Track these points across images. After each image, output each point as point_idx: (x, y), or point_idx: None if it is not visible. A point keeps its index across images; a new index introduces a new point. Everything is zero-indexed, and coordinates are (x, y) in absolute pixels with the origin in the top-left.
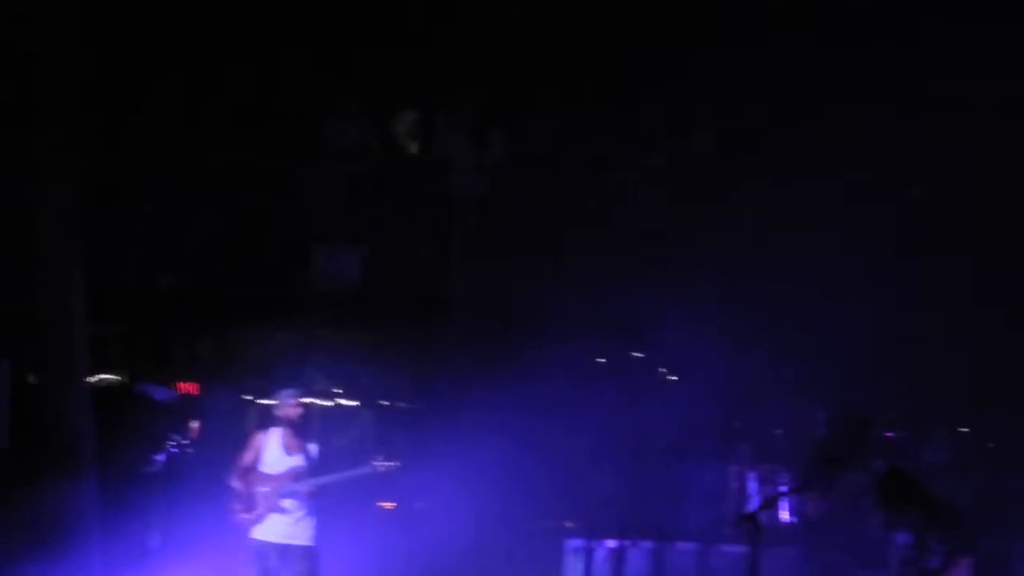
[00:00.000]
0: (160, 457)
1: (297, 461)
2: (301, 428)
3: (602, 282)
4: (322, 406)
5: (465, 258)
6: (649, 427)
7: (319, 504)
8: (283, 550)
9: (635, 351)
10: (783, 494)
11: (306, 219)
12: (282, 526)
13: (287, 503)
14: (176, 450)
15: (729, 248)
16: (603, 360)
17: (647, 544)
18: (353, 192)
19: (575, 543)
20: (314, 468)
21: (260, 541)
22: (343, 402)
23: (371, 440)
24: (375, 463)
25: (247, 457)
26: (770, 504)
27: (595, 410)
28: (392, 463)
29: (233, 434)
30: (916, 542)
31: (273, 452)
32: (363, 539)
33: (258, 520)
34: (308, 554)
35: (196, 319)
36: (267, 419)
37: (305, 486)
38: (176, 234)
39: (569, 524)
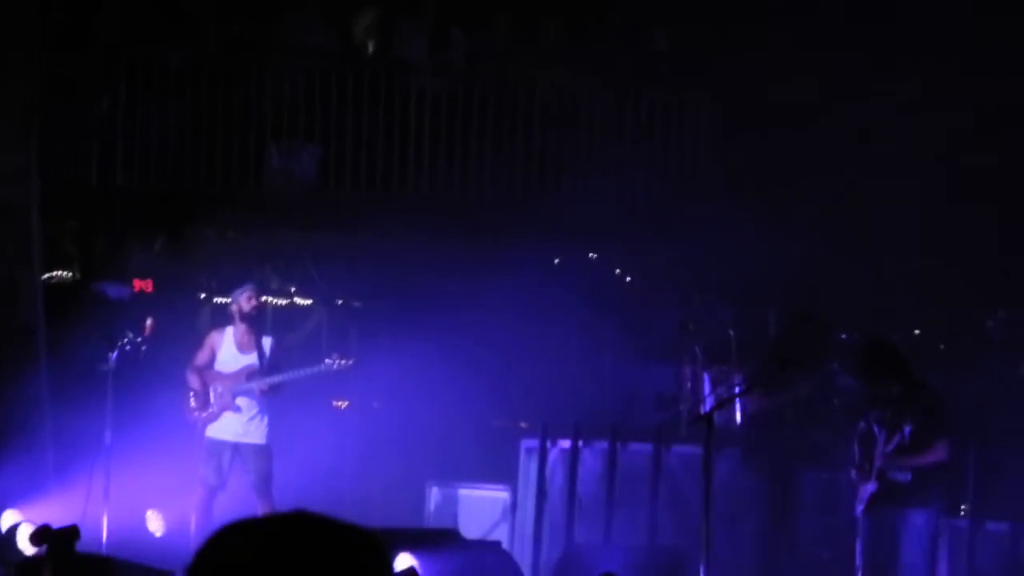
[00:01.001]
0: (113, 355)
1: (251, 359)
2: (255, 326)
3: (562, 182)
4: (276, 304)
5: (423, 157)
6: (606, 328)
7: (273, 403)
8: (237, 448)
9: (594, 252)
10: (736, 395)
11: (264, 118)
12: (236, 424)
13: (241, 401)
14: (130, 348)
15: (688, 148)
16: (560, 260)
17: (601, 444)
18: (311, 90)
19: (530, 443)
20: (268, 367)
21: (214, 439)
22: (298, 300)
23: (325, 338)
24: (329, 361)
25: (201, 355)
26: (723, 405)
27: (554, 310)
28: (346, 361)
29: (187, 332)
30: (890, 417)
31: (227, 350)
32: (317, 438)
33: (212, 418)
34: (262, 452)
35: (152, 217)
36: (222, 317)
37: (259, 384)
38: (134, 131)
39: (524, 424)
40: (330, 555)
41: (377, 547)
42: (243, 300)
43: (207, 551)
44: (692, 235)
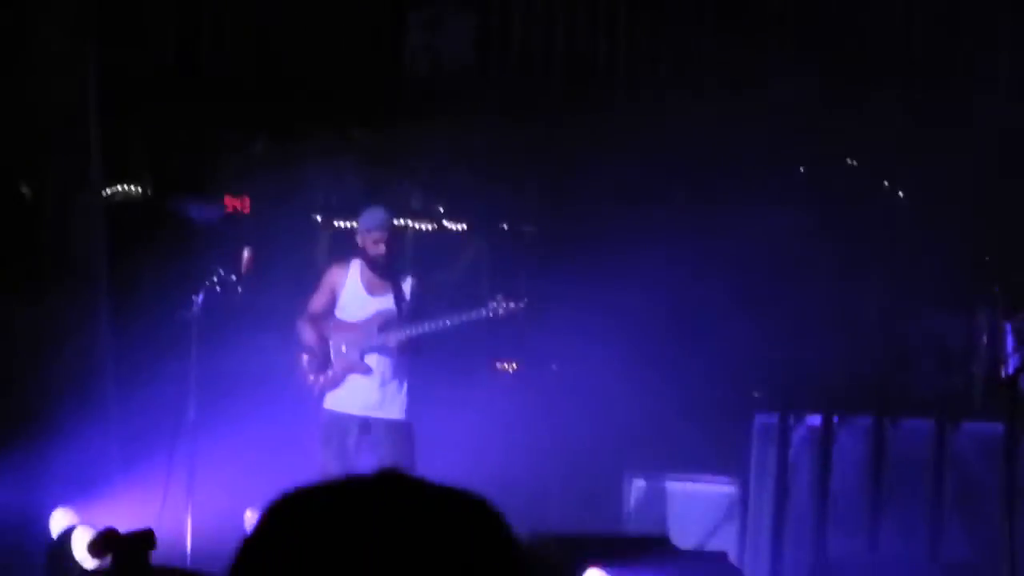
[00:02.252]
0: (199, 298)
1: (386, 304)
2: (391, 259)
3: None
4: (420, 230)
5: (639, 31)
6: (867, 263)
7: (415, 363)
8: (366, 424)
9: (848, 158)
10: None
11: None
12: (366, 393)
13: (372, 361)
14: (220, 288)
15: None
16: (806, 168)
17: (864, 420)
18: None
19: (766, 418)
20: (409, 313)
21: (336, 412)
22: (448, 225)
23: (486, 276)
24: (492, 305)
25: (318, 299)
26: None
27: (795, 237)
28: (516, 304)
29: (298, 267)
30: None
31: (353, 292)
32: (475, 412)
33: (333, 384)
34: (400, 431)
35: (250, 111)
36: (346, 247)
37: (396, 338)
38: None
39: (758, 394)
40: (426, 522)
41: (489, 516)
42: (369, 240)
43: (271, 520)
44: (987, 133)
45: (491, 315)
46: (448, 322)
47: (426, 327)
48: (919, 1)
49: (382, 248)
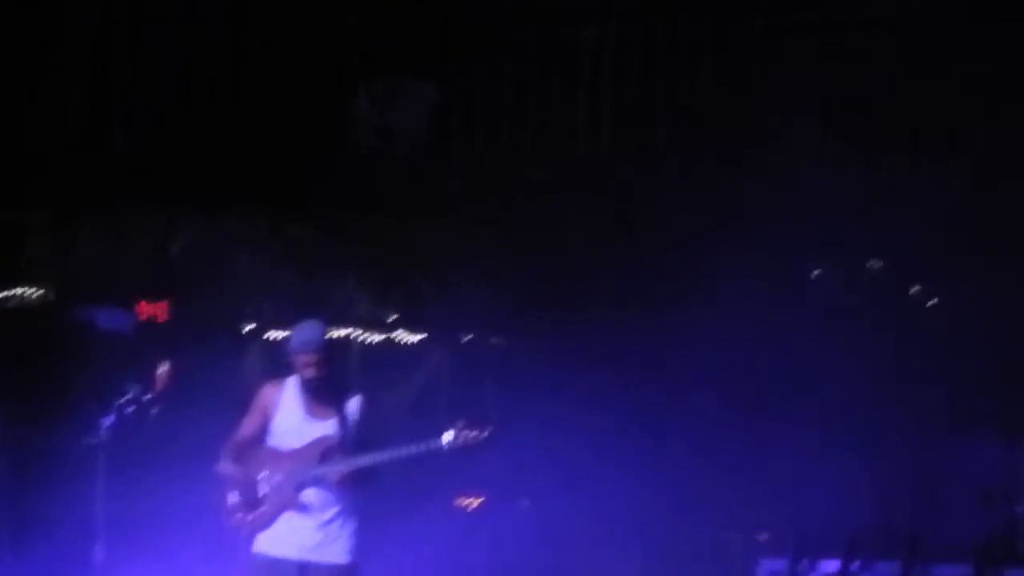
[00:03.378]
0: (108, 420)
1: (327, 429)
2: (327, 380)
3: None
4: (368, 342)
5: (605, 107)
6: (892, 382)
7: (361, 499)
8: (304, 570)
9: (868, 260)
10: None
11: (347, 45)
12: (302, 533)
13: (310, 496)
14: (133, 410)
15: None
16: (820, 272)
17: (889, 567)
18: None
19: (774, 565)
20: (355, 440)
21: (268, 557)
22: (401, 336)
23: (445, 395)
24: (451, 434)
25: (248, 424)
26: None
27: (808, 351)
28: (478, 433)
29: (224, 385)
30: None
31: (289, 416)
32: (432, 555)
33: (265, 523)
34: None
35: (167, 200)
36: (280, 362)
37: (339, 469)
38: (137, 69)
39: (763, 536)
40: None
41: None
42: (298, 362)
43: None
44: None
45: (450, 445)
46: (400, 453)
47: (374, 458)
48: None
49: (312, 371)
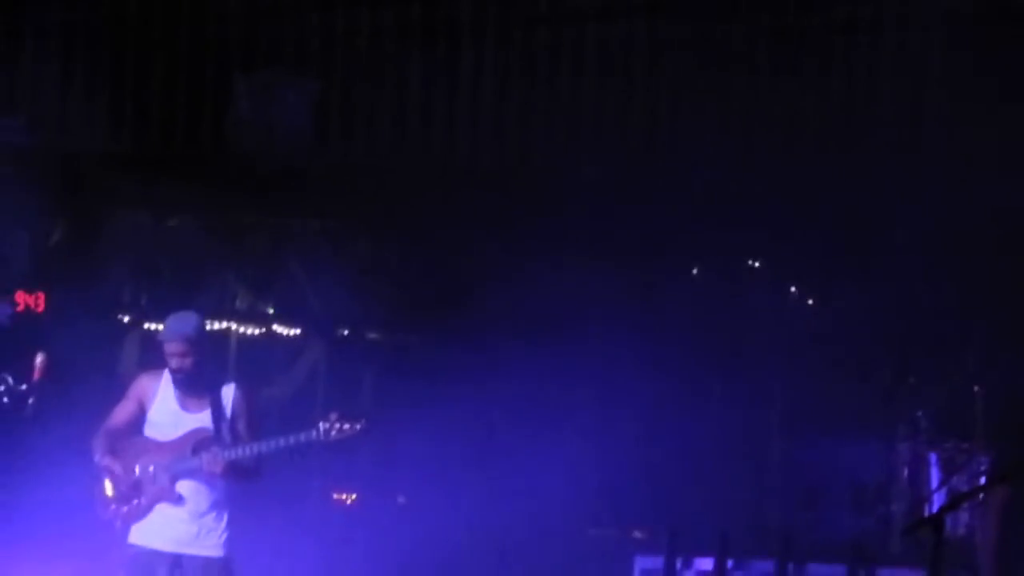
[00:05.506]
0: None
1: (202, 421)
2: (197, 374)
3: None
4: (246, 335)
5: (484, 110)
6: (767, 382)
7: (237, 492)
8: (178, 562)
9: (748, 258)
10: (982, 489)
11: (225, 38)
12: (177, 526)
13: (185, 488)
14: (8, 400)
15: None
16: (700, 271)
17: (764, 565)
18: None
19: (649, 562)
20: (230, 433)
21: (142, 548)
22: (279, 329)
23: (322, 389)
24: (325, 426)
25: (121, 412)
26: (960, 503)
27: (690, 356)
28: (352, 426)
29: (102, 375)
30: None
31: (164, 407)
32: (307, 550)
33: (139, 515)
34: (218, 571)
35: (46, 191)
36: (155, 354)
37: (214, 461)
38: (18, 57)
39: (640, 534)
40: None
41: None
42: (167, 353)
43: None
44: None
45: (324, 438)
46: (274, 445)
47: (249, 450)
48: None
49: (179, 363)
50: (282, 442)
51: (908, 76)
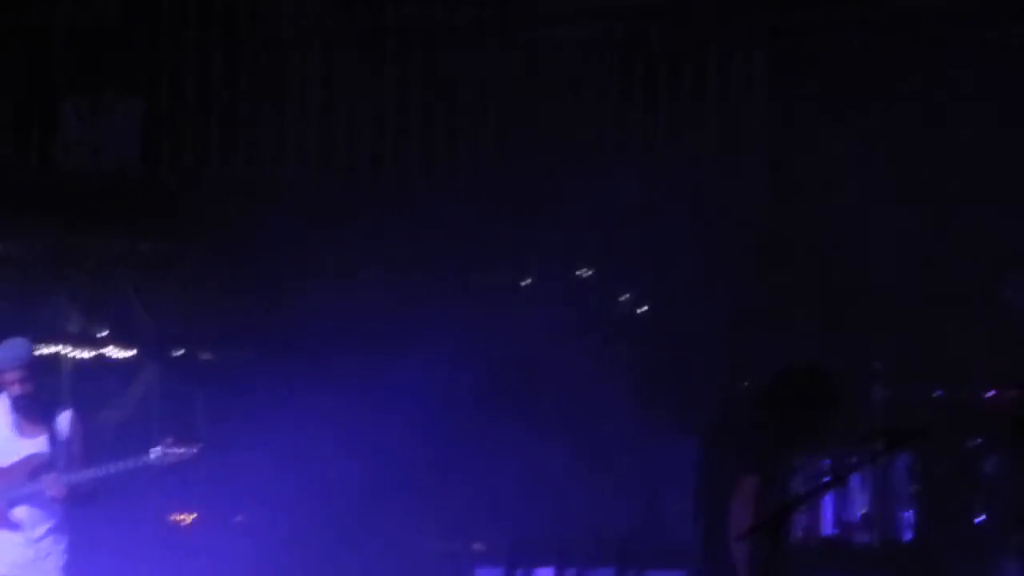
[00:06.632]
0: None
1: (38, 446)
2: (36, 398)
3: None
4: (78, 358)
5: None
6: (606, 387)
7: (73, 516)
8: None
9: (575, 264)
10: (822, 488)
11: (51, 57)
12: (14, 550)
13: (21, 514)
14: None
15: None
16: (533, 280)
17: (604, 574)
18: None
19: (489, 574)
20: (66, 457)
21: None
22: (111, 352)
23: (157, 411)
24: (161, 449)
25: None
26: (799, 505)
27: (521, 358)
28: (186, 449)
29: None
30: None
31: None
32: (145, 573)
33: None
34: None
35: None
36: None
37: (51, 486)
38: None
39: (479, 545)
40: None
41: None
42: (5, 381)
43: None
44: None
45: (159, 461)
46: (110, 469)
47: (85, 475)
48: None
49: (19, 388)
50: (118, 465)
51: None
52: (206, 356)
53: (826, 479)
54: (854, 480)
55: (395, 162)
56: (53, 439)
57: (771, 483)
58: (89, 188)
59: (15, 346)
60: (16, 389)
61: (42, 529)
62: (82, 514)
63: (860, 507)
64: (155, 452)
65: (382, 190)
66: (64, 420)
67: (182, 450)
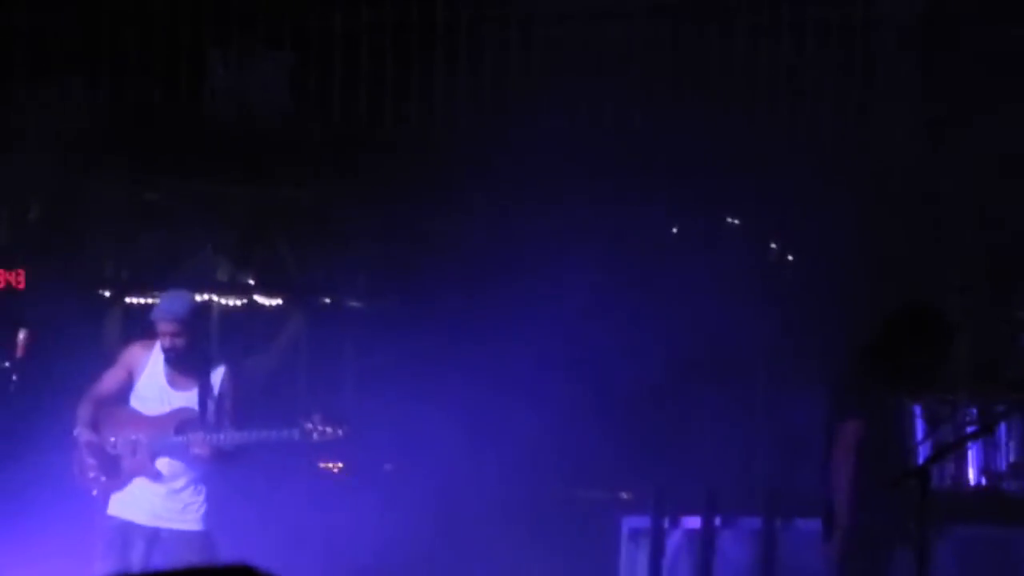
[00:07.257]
0: None
1: (189, 401)
2: (191, 351)
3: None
4: (227, 306)
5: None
6: (754, 337)
7: (217, 469)
8: (156, 536)
9: (728, 215)
10: (969, 438)
11: (200, 8)
12: (155, 500)
13: (164, 465)
14: None
15: None
16: (680, 229)
17: (751, 523)
18: None
19: (636, 522)
20: (214, 415)
21: (121, 520)
22: (261, 299)
23: (305, 359)
24: (308, 427)
25: (110, 379)
26: (945, 455)
27: (670, 310)
28: (332, 431)
29: (85, 351)
30: None
31: (153, 380)
32: (291, 522)
33: (118, 486)
34: (196, 544)
35: (22, 168)
36: (142, 327)
37: (196, 443)
38: None
39: (626, 494)
40: None
41: None
42: (160, 333)
43: None
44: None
45: (305, 439)
46: (256, 436)
47: (233, 437)
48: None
49: (171, 342)
50: (264, 435)
51: None
52: (354, 304)
53: (973, 428)
54: (1001, 429)
55: (534, 118)
56: (204, 395)
57: (878, 428)
58: (238, 138)
59: (176, 299)
60: (172, 341)
61: (183, 480)
62: (226, 467)
63: (1008, 456)
64: (303, 429)
65: (522, 143)
66: (217, 377)
67: (328, 431)
